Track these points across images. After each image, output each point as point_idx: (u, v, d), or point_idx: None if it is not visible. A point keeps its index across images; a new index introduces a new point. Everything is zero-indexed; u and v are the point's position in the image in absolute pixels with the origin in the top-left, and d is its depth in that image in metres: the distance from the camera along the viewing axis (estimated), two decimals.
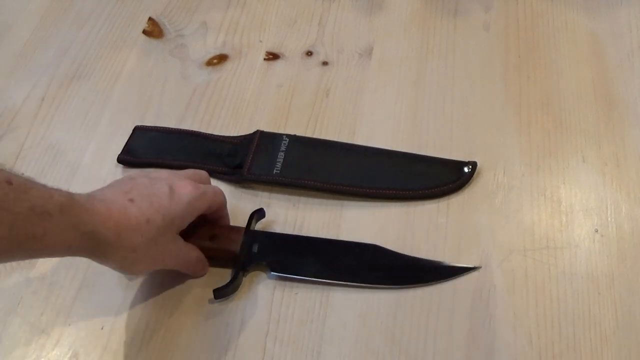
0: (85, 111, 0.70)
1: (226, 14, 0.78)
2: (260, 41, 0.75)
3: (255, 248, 0.57)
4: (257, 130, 0.66)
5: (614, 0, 0.74)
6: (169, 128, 0.67)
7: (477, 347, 0.52)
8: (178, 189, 0.52)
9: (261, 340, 0.54)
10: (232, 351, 0.53)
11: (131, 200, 0.49)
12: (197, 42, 0.75)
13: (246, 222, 0.58)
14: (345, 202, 0.61)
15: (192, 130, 0.67)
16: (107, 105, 0.70)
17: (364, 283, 0.56)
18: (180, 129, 0.67)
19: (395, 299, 0.55)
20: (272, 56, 0.73)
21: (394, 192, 0.61)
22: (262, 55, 0.74)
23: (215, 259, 0.57)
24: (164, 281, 0.57)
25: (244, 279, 0.57)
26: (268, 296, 0.56)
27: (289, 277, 0.56)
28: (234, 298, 0.56)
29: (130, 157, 0.65)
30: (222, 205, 0.58)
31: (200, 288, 0.57)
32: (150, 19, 0.78)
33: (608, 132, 0.64)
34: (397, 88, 0.69)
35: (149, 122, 0.68)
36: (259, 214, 0.59)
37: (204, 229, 0.56)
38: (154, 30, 0.77)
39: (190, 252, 0.55)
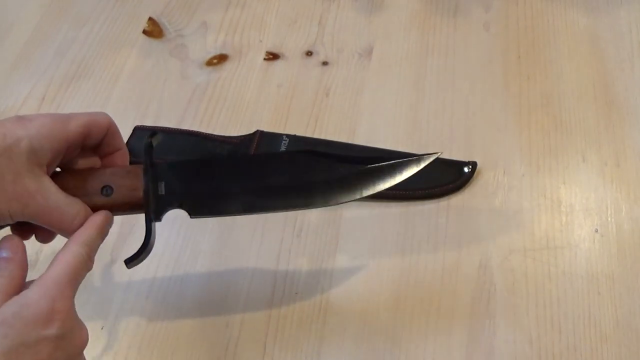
0: (85, 111, 0.70)
1: (226, 14, 0.78)
2: (260, 41, 0.75)
3: (161, 188, 0.46)
4: (257, 130, 0.66)
5: (614, 0, 0.74)
6: (169, 128, 0.67)
7: (477, 347, 0.52)
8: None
9: (261, 340, 0.54)
10: (232, 351, 0.53)
11: None
12: (197, 42, 0.75)
13: (146, 159, 0.47)
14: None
15: (192, 130, 0.67)
16: (107, 105, 0.70)
17: (309, 204, 0.47)
18: (180, 129, 0.67)
19: (396, 298, 0.55)
20: (272, 56, 0.73)
21: (394, 192, 0.60)
22: (262, 55, 0.74)
23: (116, 213, 0.46)
24: (163, 281, 0.57)
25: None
26: (268, 296, 0.56)
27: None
28: (234, 298, 0.56)
29: (130, 157, 0.65)
30: (112, 131, 0.47)
31: (200, 287, 0.57)
32: (150, 19, 0.78)
33: (608, 132, 0.64)
34: (397, 88, 0.69)
35: (149, 122, 0.68)
36: (154, 138, 0.48)
37: (92, 179, 0.45)
38: (154, 30, 0.77)
39: (69, 206, 0.43)
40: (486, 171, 0.62)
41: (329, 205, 0.48)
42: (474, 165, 0.62)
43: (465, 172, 0.61)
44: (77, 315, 0.41)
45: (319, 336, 0.54)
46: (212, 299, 0.56)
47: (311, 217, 0.60)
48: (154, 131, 0.48)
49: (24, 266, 0.41)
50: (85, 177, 0.45)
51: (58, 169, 0.46)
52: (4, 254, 0.41)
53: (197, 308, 0.56)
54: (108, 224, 0.45)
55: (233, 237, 0.60)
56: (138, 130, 0.67)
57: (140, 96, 0.71)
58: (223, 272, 0.58)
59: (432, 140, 0.64)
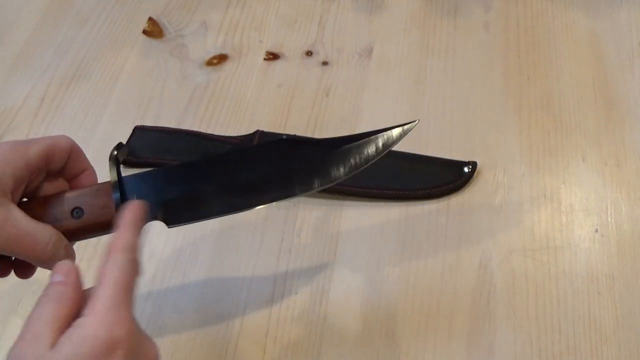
0: (85, 111, 0.70)
1: (226, 14, 0.78)
2: (260, 41, 0.75)
3: None
4: (257, 130, 0.66)
5: (614, 0, 0.74)
6: (169, 128, 0.67)
7: (477, 347, 0.52)
8: None
9: (261, 340, 0.54)
10: (232, 351, 0.53)
11: None
12: (197, 42, 0.75)
13: (114, 175, 0.44)
14: (345, 202, 0.61)
15: (192, 130, 0.67)
16: (107, 105, 0.70)
17: (289, 194, 0.45)
18: (180, 129, 0.67)
19: (396, 298, 0.55)
20: (272, 56, 0.73)
21: (394, 192, 0.61)
22: (262, 55, 0.74)
23: (90, 234, 0.44)
24: (164, 281, 0.57)
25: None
26: (268, 296, 0.56)
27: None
28: (234, 298, 0.56)
29: (130, 157, 0.65)
30: (75, 153, 0.45)
31: (200, 287, 0.57)
32: (150, 19, 0.78)
33: (608, 132, 0.64)
34: (397, 88, 0.69)
35: (149, 122, 0.68)
36: (120, 151, 0.46)
37: (61, 203, 0.43)
38: (154, 30, 0.77)
39: (40, 232, 0.42)
40: (486, 171, 0.62)
41: (311, 191, 0.46)
42: (474, 165, 0.62)
43: (465, 172, 0.61)
44: (141, 331, 0.38)
45: (319, 336, 0.54)
46: (212, 299, 0.56)
47: (311, 217, 0.60)
48: (119, 144, 0.46)
49: (77, 289, 0.39)
50: (53, 202, 0.43)
51: (25, 199, 0.44)
52: (57, 279, 0.39)
53: (197, 308, 0.56)
54: (141, 217, 0.41)
55: (233, 237, 0.60)
56: (138, 130, 0.67)
57: (140, 96, 0.71)
58: (223, 272, 0.58)
59: (432, 140, 0.64)
